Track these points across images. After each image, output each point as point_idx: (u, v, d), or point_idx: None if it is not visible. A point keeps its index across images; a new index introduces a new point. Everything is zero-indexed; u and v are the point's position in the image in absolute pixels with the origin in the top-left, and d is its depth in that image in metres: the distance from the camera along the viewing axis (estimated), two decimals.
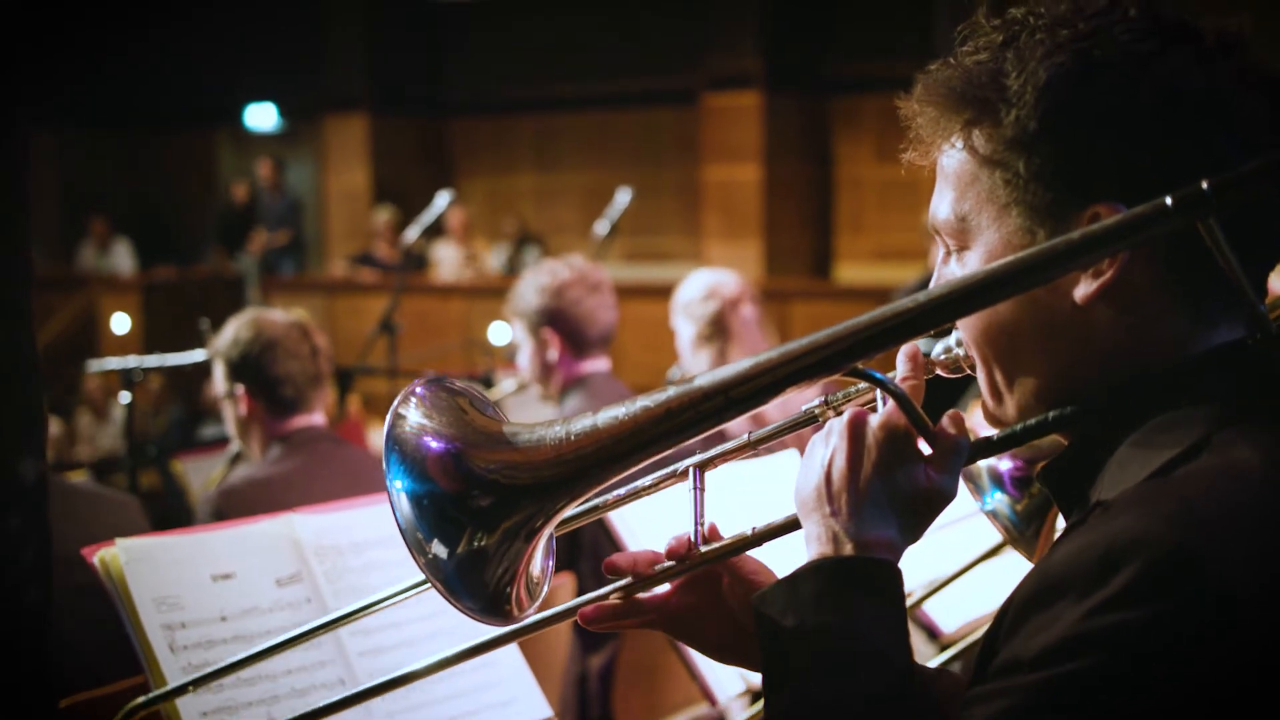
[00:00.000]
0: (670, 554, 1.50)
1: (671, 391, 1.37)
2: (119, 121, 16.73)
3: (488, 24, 14.94)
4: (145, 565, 2.13)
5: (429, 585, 1.40)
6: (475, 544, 1.38)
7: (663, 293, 10.57)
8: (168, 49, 15.44)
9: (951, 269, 1.40)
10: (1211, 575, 1.14)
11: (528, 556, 1.42)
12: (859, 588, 1.31)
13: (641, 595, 1.55)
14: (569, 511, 1.44)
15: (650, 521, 2.85)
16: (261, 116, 16.69)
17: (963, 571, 2.51)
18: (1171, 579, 1.13)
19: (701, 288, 4.51)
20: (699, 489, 1.51)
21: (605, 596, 1.54)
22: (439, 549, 1.37)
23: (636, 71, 14.23)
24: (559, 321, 4.11)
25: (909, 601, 2.54)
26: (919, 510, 1.35)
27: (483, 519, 1.38)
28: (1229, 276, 1.22)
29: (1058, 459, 1.39)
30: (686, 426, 1.35)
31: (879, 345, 1.30)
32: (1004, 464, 1.75)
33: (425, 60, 15.57)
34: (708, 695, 2.85)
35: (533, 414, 4.94)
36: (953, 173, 1.38)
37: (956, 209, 1.37)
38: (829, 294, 11.63)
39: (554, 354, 4.13)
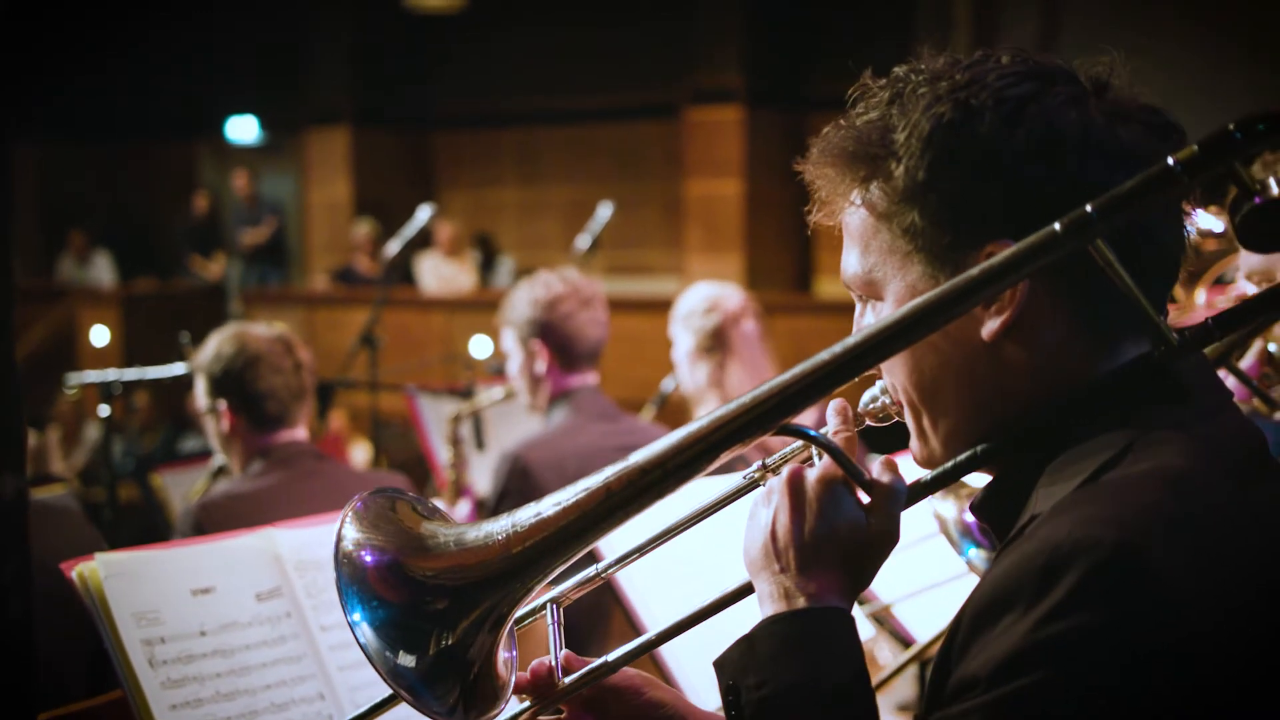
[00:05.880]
0: (530, 682, 1.54)
1: (609, 471, 1.40)
2: (99, 133, 16.68)
3: (470, 38, 14.96)
4: (125, 580, 2.12)
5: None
6: (442, 645, 1.40)
7: (644, 306, 10.62)
8: (149, 61, 15.40)
9: (868, 320, 1.45)
10: (1153, 574, 1.16)
11: (494, 649, 1.44)
12: (815, 640, 1.35)
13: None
14: (532, 594, 1.46)
15: (650, 573, 2.81)
16: (243, 129, 16.66)
17: (939, 584, 2.52)
18: (1114, 580, 1.16)
19: (703, 300, 4.50)
20: (557, 623, 1.56)
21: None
22: (405, 659, 1.39)
23: (619, 86, 14.26)
24: (548, 334, 4.11)
25: (916, 648, 2.56)
26: (865, 557, 1.39)
27: (444, 620, 1.41)
28: (1125, 294, 1.27)
29: (987, 491, 1.42)
30: (628, 502, 1.39)
31: (805, 400, 1.34)
32: (970, 516, 1.77)
33: (407, 73, 15.57)
34: None
35: (519, 425, 4.93)
36: (855, 229, 1.43)
37: (863, 264, 1.43)
38: (810, 308, 11.66)
39: (542, 366, 4.13)
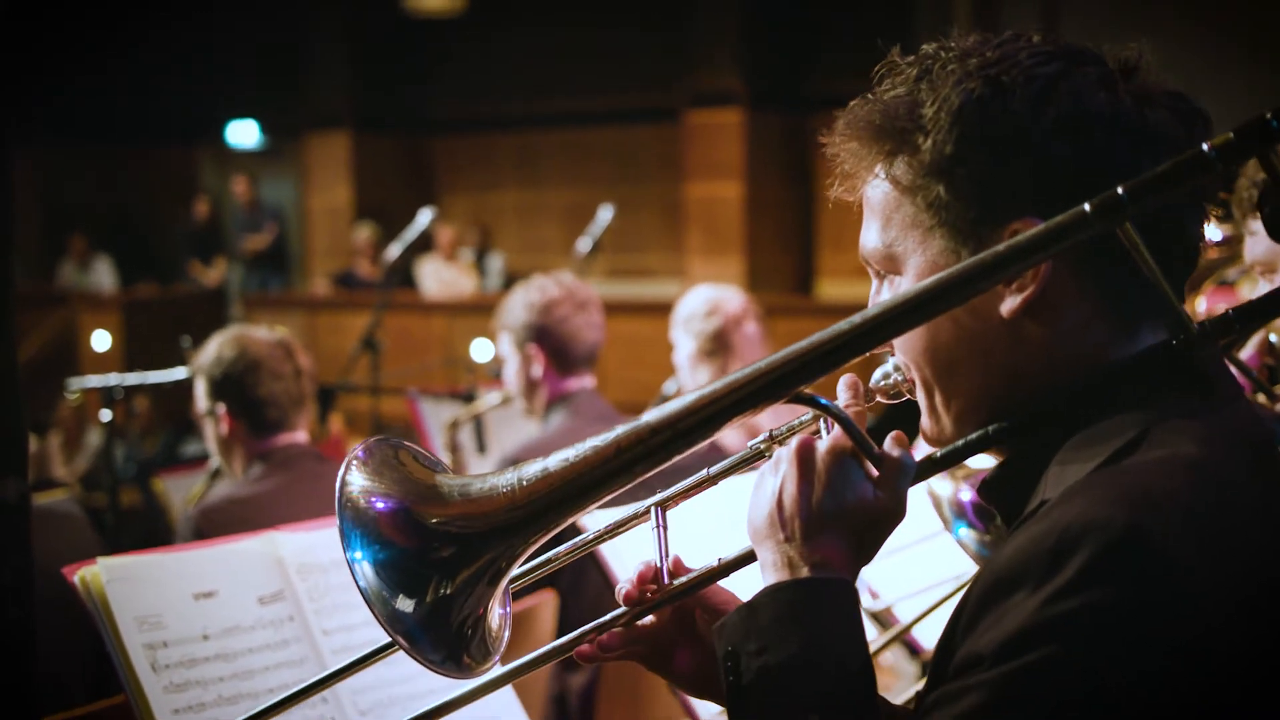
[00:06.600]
0: (641, 580, 1.52)
1: (620, 430, 1.40)
2: (100, 137, 16.68)
3: (470, 42, 14.96)
4: (127, 584, 2.12)
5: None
6: (441, 593, 1.39)
7: (645, 309, 10.63)
8: (150, 65, 15.41)
9: (885, 296, 1.44)
10: (1164, 555, 1.16)
11: (490, 602, 1.44)
12: (817, 609, 1.33)
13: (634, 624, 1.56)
14: (531, 550, 1.45)
15: (634, 543, 2.83)
16: (243, 134, 16.67)
17: (949, 597, 2.52)
18: (1125, 560, 1.16)
19: (704, 303, 4.51)
20: (662, 527, 1.53)
21: (599, 629, 1.55)
22: (404, 604, 1.38)
23: (619, 89, 14.26)
24: (544, 338, 4.12)
25: (898, 628, 2.55)
26: (871, 530, 1.38)
27: (445, 568, 1.40)
28: (1150, 280, 1.27)
29: (997, 472, 1.42)
30: (636, 462, 1.38)
31: (820, 368, 1.33)
32: (965, 494, 1.76)
33: (408, 77, 15.57)
34: (690, 713, 2.85)
35: (516, 430, 4.93)
36: (878, 203, 1.42)
37: (883, 237, 1.42)
38: (811, 310, 11.65)
39: (538, 370, 4.14)
